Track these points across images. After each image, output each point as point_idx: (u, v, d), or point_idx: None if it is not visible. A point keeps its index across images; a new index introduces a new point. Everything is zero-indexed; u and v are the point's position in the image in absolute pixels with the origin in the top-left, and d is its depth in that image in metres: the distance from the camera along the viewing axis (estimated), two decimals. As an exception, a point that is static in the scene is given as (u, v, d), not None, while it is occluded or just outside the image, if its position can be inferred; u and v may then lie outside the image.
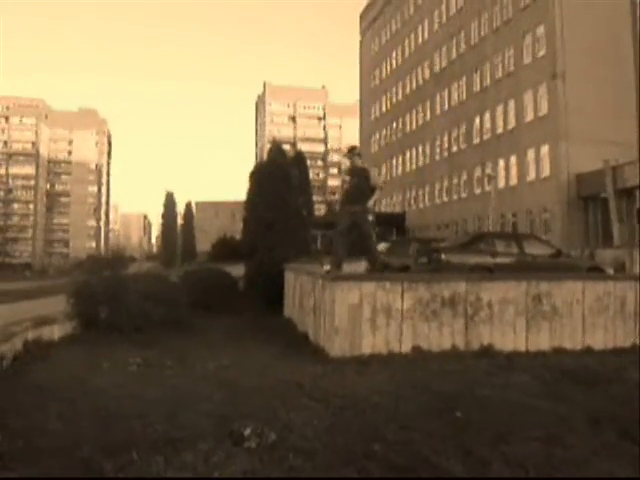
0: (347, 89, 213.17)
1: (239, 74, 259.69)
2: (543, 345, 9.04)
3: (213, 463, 4.25)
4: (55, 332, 10.53)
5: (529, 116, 35.92)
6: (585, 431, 5.12)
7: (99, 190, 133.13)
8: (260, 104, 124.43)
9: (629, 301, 9.64)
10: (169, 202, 59.09)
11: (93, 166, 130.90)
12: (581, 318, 9.34)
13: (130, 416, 5.37)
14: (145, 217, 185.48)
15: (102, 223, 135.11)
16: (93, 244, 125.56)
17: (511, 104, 37.84)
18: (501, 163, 38.48)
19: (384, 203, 56.90)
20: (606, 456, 4.53)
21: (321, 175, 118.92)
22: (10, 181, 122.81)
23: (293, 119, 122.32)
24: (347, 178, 10.56)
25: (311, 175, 38.57)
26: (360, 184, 9.84)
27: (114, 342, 9.89)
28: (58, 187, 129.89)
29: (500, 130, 38.99)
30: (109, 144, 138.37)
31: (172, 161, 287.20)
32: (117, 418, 5.33)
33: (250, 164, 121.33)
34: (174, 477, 4.07)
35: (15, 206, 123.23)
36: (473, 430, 5.06)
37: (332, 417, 5.42)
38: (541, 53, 34.89)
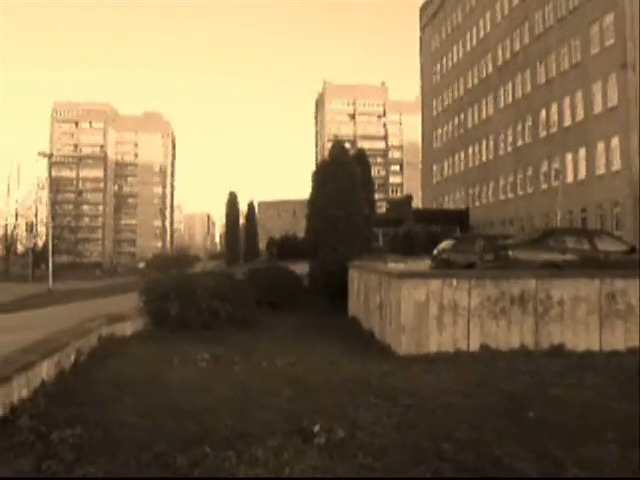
0: (408, 85, 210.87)
1: (298, 72, 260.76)
2: (618, 345, 8.73)
3: (284, 459, 4.30)
4: (127, 328, 10.88)
5: (598, 108, 34.61)
6: (665, 435, 4.91)
7: (164, 191, 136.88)
8: (320, 103, 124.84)
9: None
10: (232, 202, 59.97)
11: (158, 168, 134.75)
12: (659, 317, 8.95)
13: (201, 411, 5.51)
14: (208, 217, 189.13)
15: (167, 223, 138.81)
16: (159, 244, 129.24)
17: (579, 96, 36.56)
18: (569, 157, 37.24)
19: (446, 199, 56.13)
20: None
21: (381, 172, 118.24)
22: (80, 184, 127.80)
23: (353, 117, 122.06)
24: None
25: (372, 172, 38.47)
26: None
27: (183, 338, 10.15)
28: (125, 189, 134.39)
29: (568, 123, 37.72)
30: (173, 146, 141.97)
31: (233, 160, 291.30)
32: (189, 412, 5.47)
33: (310, 163, 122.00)
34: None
35: (85, 208, 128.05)
36: (546, 431, 4.94)
37: (400, 415, 5.40)
38: (610, 42, 33.56)
